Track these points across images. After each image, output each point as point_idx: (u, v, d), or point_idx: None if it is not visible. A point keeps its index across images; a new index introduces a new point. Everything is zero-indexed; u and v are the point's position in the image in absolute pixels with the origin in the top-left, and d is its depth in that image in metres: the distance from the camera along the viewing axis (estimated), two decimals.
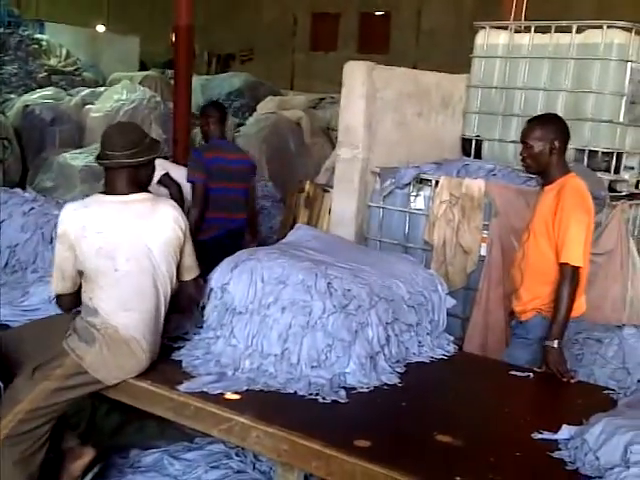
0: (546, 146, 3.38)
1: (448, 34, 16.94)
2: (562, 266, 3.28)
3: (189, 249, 3.08)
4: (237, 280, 3.11)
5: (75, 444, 3.12)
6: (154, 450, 3.53)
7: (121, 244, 2.87)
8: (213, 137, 5.02)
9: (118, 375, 2.89)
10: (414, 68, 6.78)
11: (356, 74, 5.03)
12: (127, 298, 2.88)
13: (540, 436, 2.65)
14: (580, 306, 3.46)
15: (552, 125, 3.45)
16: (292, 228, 4.77)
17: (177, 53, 8.74)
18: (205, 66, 19.97)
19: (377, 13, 19.64)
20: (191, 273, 3.12)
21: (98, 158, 2.99)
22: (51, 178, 10.02)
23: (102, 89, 11.85)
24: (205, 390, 2.83)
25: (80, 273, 2.93)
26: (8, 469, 2.74)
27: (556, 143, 3.38)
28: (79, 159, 10.12)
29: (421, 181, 5.02)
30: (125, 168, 2.93)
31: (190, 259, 3.10)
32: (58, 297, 3.06)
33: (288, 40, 20.38)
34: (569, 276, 3.25)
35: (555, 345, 3.24)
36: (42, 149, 10.66)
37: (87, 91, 11.67)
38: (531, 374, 3.30)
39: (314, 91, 13.52)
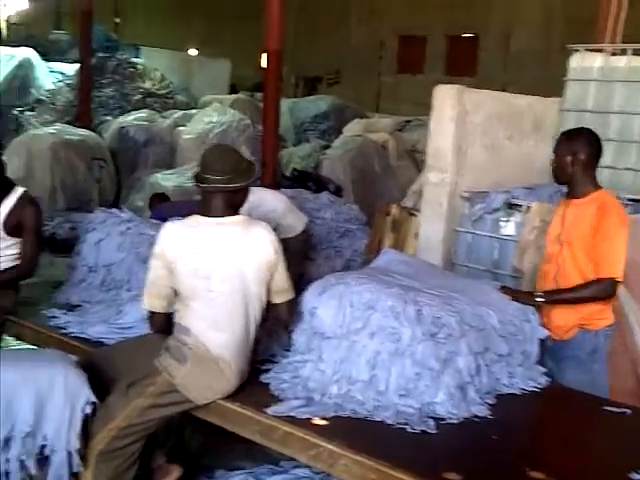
0: (570, 158, 3.46)
1: (537, 57, 16.65)
2: (602, 280, 3.33)
3: (282, 272, 3.07)
4: (326, 304, 3.10)
5: (163, 462, 3.18)
6: (239, 472, 3.56)
7: (216, 265, 2.91)
8: None
9: (207, 395, 2.92)
10: (503, 91, 6.68)
11: (446, 97, 4.99)
12: (219, 319, 2.91)
13: (638, 477, 2.54)
14: (611, 316, 3.52)
15: (578, 139, 3.51)
16: (377, 251, 4.74)
17: (267, 76, 8.88)
18: (292, 89, 20.27)
19: (464, 35, 19.50)
20: (282, 296, 3.12)
21: (197, 180, 3.03)
22: (143, 198, 10.30)
23: (194, 111, 12.18)
24: (293, 414, 2.83)
25: (174, 292, 2.99)
26: None
27: (580, 156, 3.44)
28: (170, 180, 10.40)
29: (511, 206, 4.91)
30: (222, 192, 2.98)
31: (282, 282, 3.09)
32: (151, 315, 3.09)
33: (375, 63, 20.42)
34: (608, 287, 3.34)
35: (539, 300, 3.45)
36: (135, 169, 11.02)
37: (179, 113, 12.01)
38: (628, 410, 3.17)
39: (400, 114, 13.51)
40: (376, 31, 20.34)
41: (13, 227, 3.79)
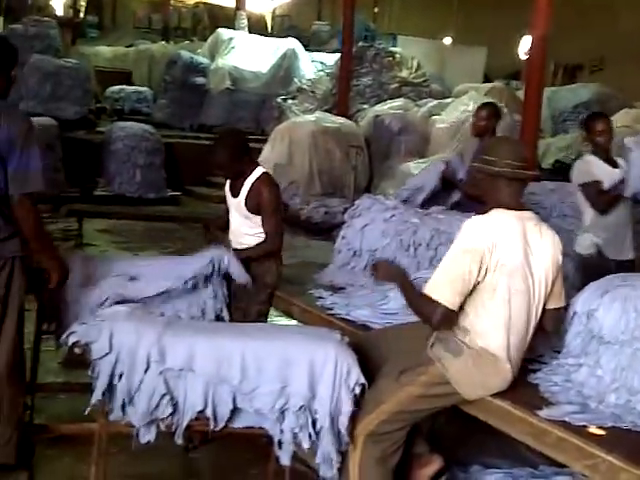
0: None
1: None
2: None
3: (560, 276, 2.96)
4: (607, 307, 2.90)
5: (424, 450, 3.17)
6: (496, 470, 3.45)
7: (518, 262, 2.81)
8: None
9: (479, 392, 2.86)
10: None
11: None
12: (506, 318, 2.82)
13: None
14: None
15: None
16: None
17: (529, 64, 8.57)
18: (550, 77, 19.43)
19: None
20: (556, 302, 3.00)
21: (487, 165, 2.92)
22: (393, 186, 10.44)
23: (448, 100, 12.10)
24: (567, 420, 2.68)
25: None
26: (369, 465, 2.86)
27: None
28: (422, 168, 10.43)
29: None
30: (519, 182, 2.90)
31: (559, 287, 2.97)
32: (444, 310, 2.77)
33: None
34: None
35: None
36: (388, 157, 11.18)
37: (434, 102, 12.00)
38: None
39: None
40: None
41: (254, 206, 3.92)
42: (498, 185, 2.91)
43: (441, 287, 2.79)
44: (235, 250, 3.88)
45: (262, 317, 4.00)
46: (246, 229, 4.01)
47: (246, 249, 3.96)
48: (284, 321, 4.77)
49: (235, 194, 4.00)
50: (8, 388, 3.26)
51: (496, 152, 2.92)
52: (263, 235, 4.00)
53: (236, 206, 4.01)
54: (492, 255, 2.78)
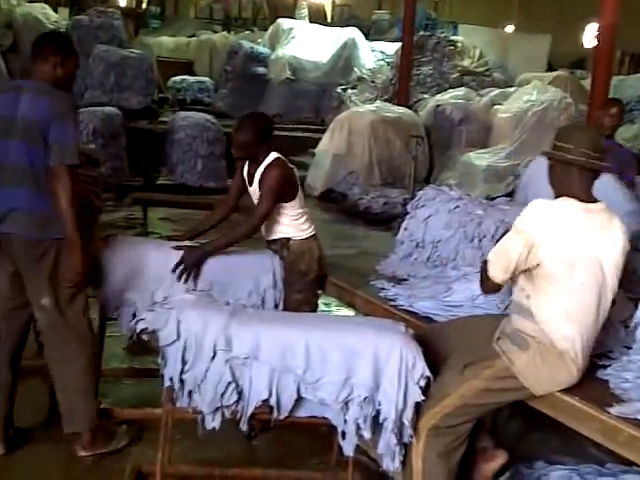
0: None
1: None
2: None
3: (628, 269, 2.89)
4: None
5: (489, 445, 3.13)
6: (561, 467, 3.39)
7: (582, 253, 2.75)
8: None
9: (546, 386, 2.81)
10: None
11: None
12: (573, 309, 2.77)
13: None
14: None
15: None
16: None
17: (597, 52, 8.36)
18: (617, 66, 18.92)
19: None
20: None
21: (561, 151, 2.85)
22: (454, 176, 10.35)
23: (511, 90, 11.89)
24: (639, 417, 2.62)
25: (523, 271, 2.84)
26: (432, 459, 2.84)
27: None
28: (483, 159, 10.30)
29: None
30: (591, 173, 2.83)
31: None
32: (491, 283, 2.86)
33: None
34: None
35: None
36: (449, 147, 11.06)
37: (496, 92, 11.81)
38: None
39: None
40: None
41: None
42: (570, 174, 2.84)
43: (494, 259, 2.83)
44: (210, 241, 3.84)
45: (304, 306, 3.91)
46: (275, 217, 3.97)
47: (220, 238, 3.86)
48: (344, 312, 4.77)
49: (251, 182, 3.99)
50: (69, 360, 3.44)
51: (573, 139, 2.84)
52: (298, 219, 4.00)
53: (254, 194, 3.99)
54: (547, 243, 2.73)
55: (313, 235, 4.10)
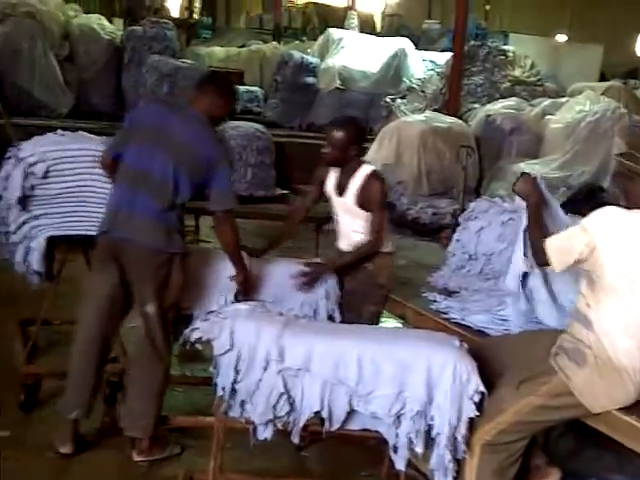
0: None
1: None
2: None
3: None
4: None
5: (542, 462, 3.08)
6: None
7: None
8: None
9: (604, 404, 2.76)
10: None
11: None
12: (632, 324, 2.72)
13: None
14: None
15: None
16: None
17: None
18: None
19: None
20: None
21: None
22: (504, 187, 10.20)
23: (563, 100, 11.74)
24: None
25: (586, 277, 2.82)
26: (486, 477, 2.81)
27: None
28: (534, 169, 10.13)
29: None
30: None
31: None
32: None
33: None
34: None
35: None
36: (499, 158, 10.95)
37: (548, 102, 11.66)
38: None
39: None
40: None
41: (366, 203, 3.82)
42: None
43: (555, 247, 2.82)
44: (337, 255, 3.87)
45: (374, 319, 3.93)
46: (358, 228, 3.90)
47: (346, 255, 3.90)
48: (395, 324, 4.74)
49: (341, 193, 3.90)
50: (151, 367, 3.51)
51: None
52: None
53: (343, 206, 3.91)
54: (608, 250, 2.70)
55: (394, 250, 4.06)
